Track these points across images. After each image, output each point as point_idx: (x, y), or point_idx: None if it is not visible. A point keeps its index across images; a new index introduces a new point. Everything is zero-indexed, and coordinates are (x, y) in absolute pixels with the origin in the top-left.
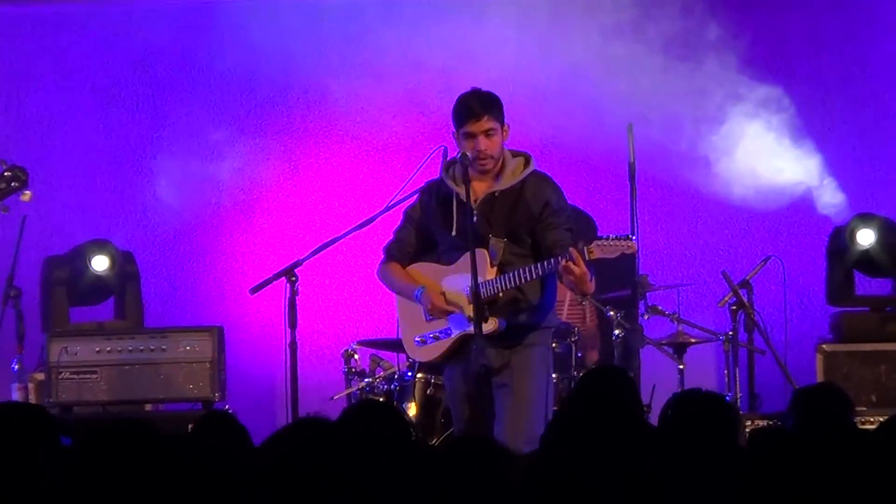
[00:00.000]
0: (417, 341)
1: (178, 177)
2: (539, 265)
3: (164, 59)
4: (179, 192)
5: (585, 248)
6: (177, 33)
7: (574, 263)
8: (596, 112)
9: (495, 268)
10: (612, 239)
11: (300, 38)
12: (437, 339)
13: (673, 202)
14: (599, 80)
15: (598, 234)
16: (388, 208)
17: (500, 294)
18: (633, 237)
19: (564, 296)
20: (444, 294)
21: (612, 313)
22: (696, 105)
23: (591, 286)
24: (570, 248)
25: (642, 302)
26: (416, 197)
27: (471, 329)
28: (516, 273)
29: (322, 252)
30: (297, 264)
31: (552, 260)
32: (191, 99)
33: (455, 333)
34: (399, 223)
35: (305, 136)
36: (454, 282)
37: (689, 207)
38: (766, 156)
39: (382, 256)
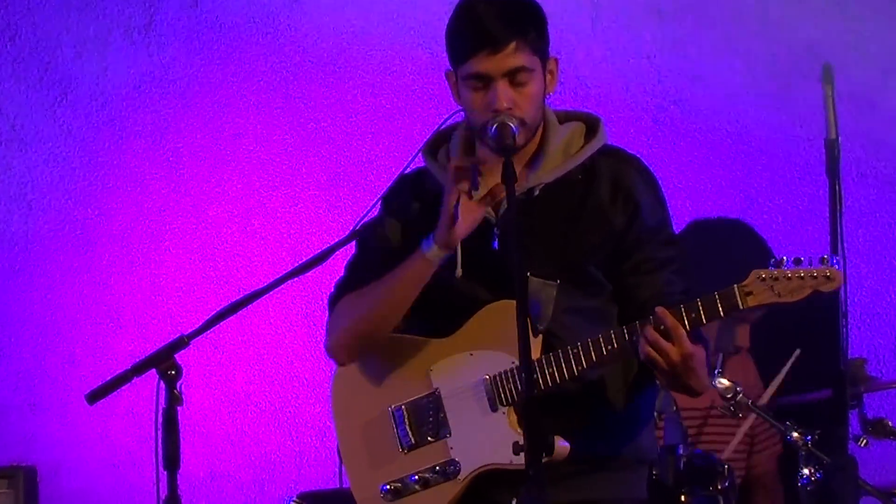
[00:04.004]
0: (386, 489)
1: None
2: (606, 338)
3: None
4: None
5: (740, 290)
6: None
7: (663, 334)
8: (753, 57)
9: (540, 337)
10: (790, 267)
11: None
12: (426, 483)
13: None
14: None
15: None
16: (354, 234)
17: (546, 387)
18: (837, 261)
19: (709, 399)
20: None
21: (795, 435)
22: None
23: (704, 382)
24: (657, 309)
25: (855, 412)
26: (378, 207)
27: (507, 461)
28: (577, 350)
29: (228, 320)
30: (178, 345)
31: (623, 330)
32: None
33: (468, 470)
34: (354, 252)
35: (232, 100)
36: (462, 368)
37: None
38: None
39: (329, 305)
